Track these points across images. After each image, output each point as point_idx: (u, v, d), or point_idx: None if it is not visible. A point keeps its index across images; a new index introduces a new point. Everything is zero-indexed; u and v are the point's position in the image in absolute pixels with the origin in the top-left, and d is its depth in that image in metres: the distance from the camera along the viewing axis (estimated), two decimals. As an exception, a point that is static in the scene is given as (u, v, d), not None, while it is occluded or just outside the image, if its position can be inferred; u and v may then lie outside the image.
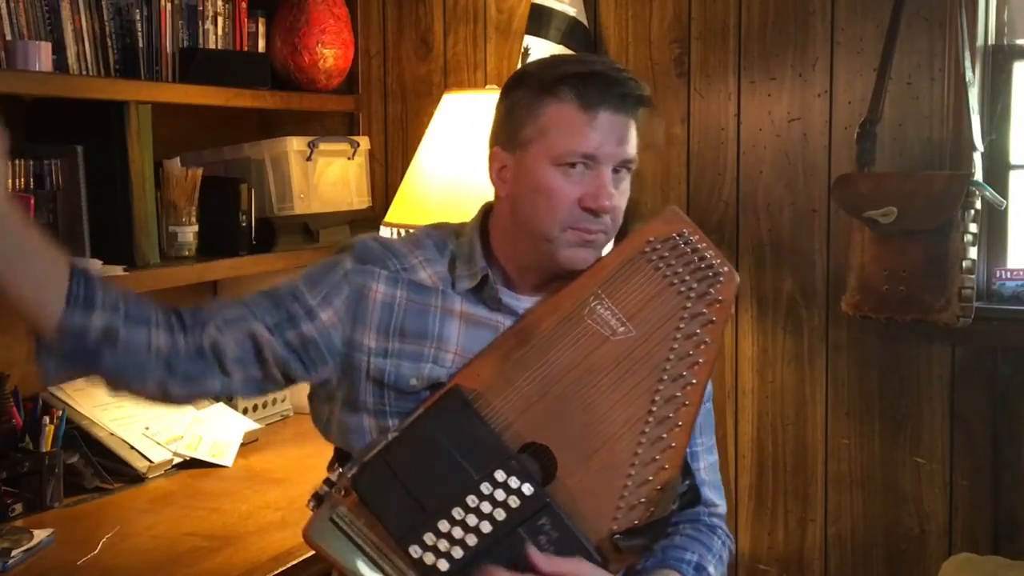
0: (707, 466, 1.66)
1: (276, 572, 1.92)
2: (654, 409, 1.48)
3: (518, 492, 1.41)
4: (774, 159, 2.60)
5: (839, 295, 2.45)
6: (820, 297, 2.57)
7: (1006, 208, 2.40)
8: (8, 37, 2.18)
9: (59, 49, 2.27)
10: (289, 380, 1.56)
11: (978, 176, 2.33)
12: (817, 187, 2.56)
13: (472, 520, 1.41)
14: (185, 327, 1.48)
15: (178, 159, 2.57)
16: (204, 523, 2.13)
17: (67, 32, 2.30)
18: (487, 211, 1.62)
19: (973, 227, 2.30)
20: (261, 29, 2.84)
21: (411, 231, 1.64)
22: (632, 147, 1.53)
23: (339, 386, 1.57)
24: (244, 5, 2.77)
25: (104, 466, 2.33)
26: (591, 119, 1.48)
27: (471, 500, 1.41)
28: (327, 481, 1.47)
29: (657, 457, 1.46)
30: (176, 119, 2.64)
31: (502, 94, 1.58)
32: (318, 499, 1.46)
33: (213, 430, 2.53)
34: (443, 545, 1.40)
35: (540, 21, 2.68)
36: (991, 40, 2.47)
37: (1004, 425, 2.44)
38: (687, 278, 1.51)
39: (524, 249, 1.55)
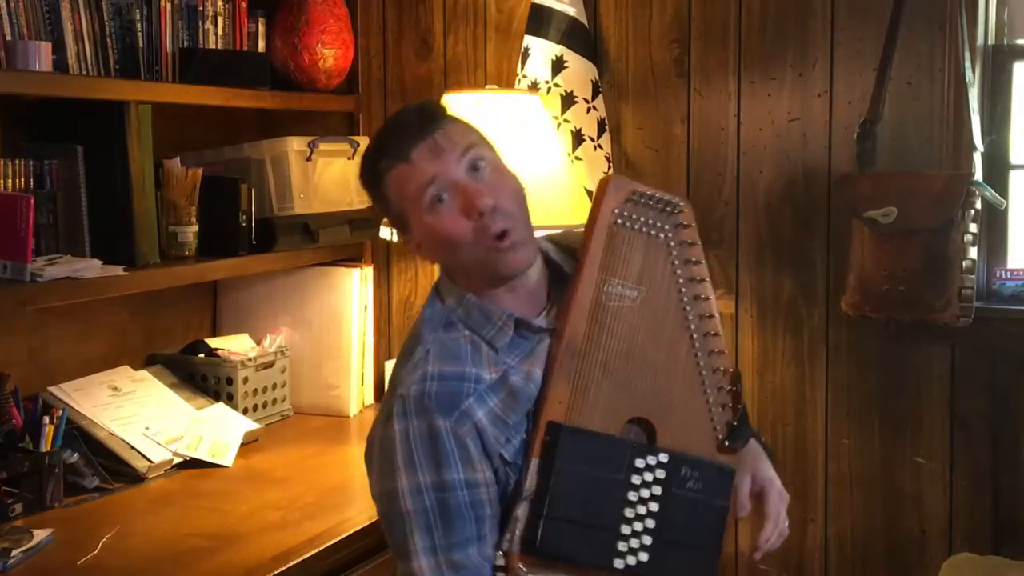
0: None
1: (276, 572, 1.92)
2: (694, 334, 1.65)
3: (658, 465, 1.57)
4: (774, 159, 2.60)
5: (839, 295, 2.45)
6: (820, 297, 2.57)
7: (1006, 208, 2.41)
8: (8, 37, 2.18)
9: (59, 49, 2.27)
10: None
11: (978, 176, 2.33)
12: (817, 187, 2.56)
13: (642, 509, 1.56)
14: None
15: (178, 159, 2.57)
16: (204, 523, 2.13)
17: (67, 32, 2.30)
18: (438, 285, 1.68)
19: (973, 227, 2.30)
20: (261, 29, 2.84)
21: (420, 344, 1.61)
22: (456, 144, 1.57)
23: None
24: (244, 5, 2.77)
25: (104, 466, 2.33)
26: (411, 162, 1.57)
27: (632, 495, 1.55)
28: (496, 568, 1.51)
29: (717, 367, 1.66)
30: (176, 119, 2.64)
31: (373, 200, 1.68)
32: None
33: (213, 430, 2.53)
34: (635, 543, 1.55)
35: (540, 21, 2.68)
36: (991, 40, 2.47)
37: (1004, 425, 2.44)
38: (657, 223, 1.66)
39: (483, 283, 1.61)
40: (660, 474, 1.57)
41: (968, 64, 2.33)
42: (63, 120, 2.37)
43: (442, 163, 1.56)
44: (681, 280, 1.66)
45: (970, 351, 2.45)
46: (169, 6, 2.53)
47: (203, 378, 2.76)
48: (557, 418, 1.55)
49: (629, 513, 1.55)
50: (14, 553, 1.93)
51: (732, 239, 2.65)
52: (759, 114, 2.61)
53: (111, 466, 2.34)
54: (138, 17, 2.45)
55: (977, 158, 2.35)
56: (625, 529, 1.55)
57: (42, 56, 2.16)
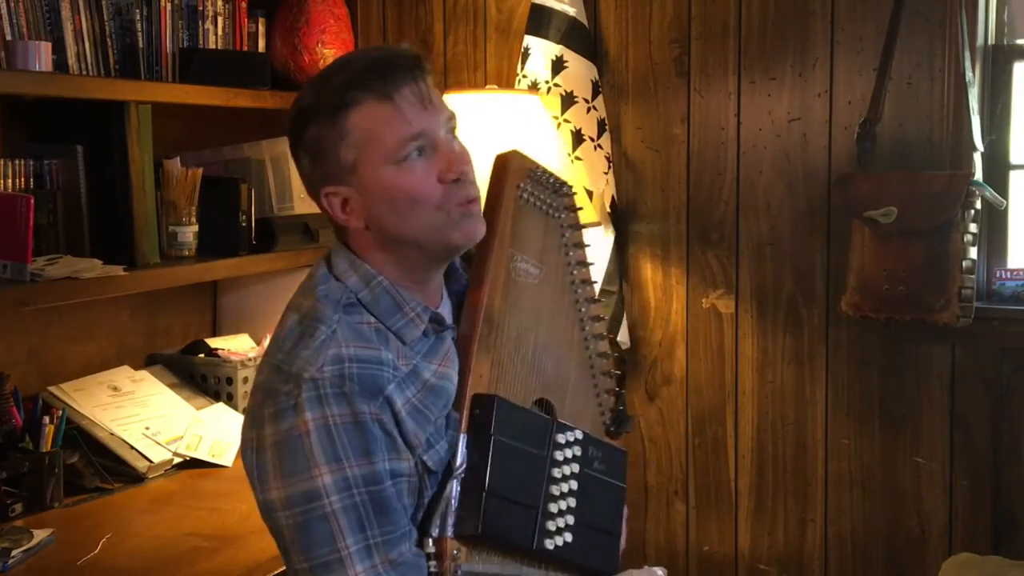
0: None
1: (276, 572, 1.92)
2: (584, 317, 1.67)
3: (576, 442, 1.56)
4: (774, 159, 2.60)
5: (839, 295, 2.45)
6: (820, 297, 2.57)
7: (1006, 208, 2.41)
8: (8, 37, 2.18)
9: (59, 49, 2.27)
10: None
11: (978, 176, 2.33)
12: (817, 187, 2.56)
13: (564, 487, 1.53)
14: None
15: (178, 159, 2.57)
16: (204, 523, 2.13)
17: (67, 32, 2.30)
18: (329, 260, 1.51)
19: (973, 227, 2.30)
20: (261, 29, 2.84)
21: (315, 319, 1.43)
22: (443, 104, 1.47)
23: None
24: (244, 5, 2.77)
25: (104, 466, 2.33)
26: (395, 104, 1.41)
27: (555, 472, 1.52)
28: (428, 556, 1.40)
29: (604, 351, 1.68)
30: (176, 119, 2.64)
31: (293, 145, 1.51)
32: None
33: (213, 430, 2.53)
34: (561, 522, 1.52)
35: (540, 21, 2.68)
36: (991, 40, 2.47)
37: (1004, 425, 2.44)
38: (551, 202, 1.66)
39: (415, 259, 1.47)
40: (577, 451, 1.56)
41: (968, 64, 2.33)
42: (63, 120, 2.37)
43: (430, 118, 1.43)
44: (572, 262, 1.67)
45: (970, 351, 2.45)
46: (169, 6, 2.53)
47: (203, 378, 2.76)
48: (481, 391, 1.47)
49: (555, 490, 1.51)
50: (14, 553, 1.93)
51: (732, 239, 2.65)
52: (759, 114, 2.61)
53: (111, 466, 2.34)
54: (138, 17, 2.45)
55: (977, 158, 2.35)
56: (552, 507, 1.51)
57: (42, 56, 2.16)
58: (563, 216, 1.67)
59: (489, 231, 1.51)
